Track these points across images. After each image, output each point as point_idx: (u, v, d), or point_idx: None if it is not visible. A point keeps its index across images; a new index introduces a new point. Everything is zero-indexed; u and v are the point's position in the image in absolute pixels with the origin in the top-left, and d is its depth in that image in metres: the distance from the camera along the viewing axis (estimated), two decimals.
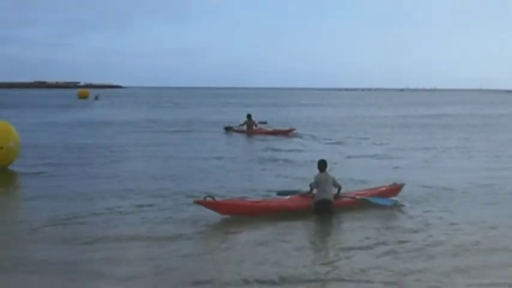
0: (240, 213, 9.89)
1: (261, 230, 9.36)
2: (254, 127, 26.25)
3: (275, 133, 25.91)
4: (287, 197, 10.72)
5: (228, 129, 27.26)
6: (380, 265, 7.51)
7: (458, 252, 8.11)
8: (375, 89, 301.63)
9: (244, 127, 26.39)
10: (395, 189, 11.33)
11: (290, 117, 41.12)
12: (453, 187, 12.87)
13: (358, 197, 10.69)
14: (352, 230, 9.45)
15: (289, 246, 8.43)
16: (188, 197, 11.08)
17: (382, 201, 10.63)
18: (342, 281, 7.00)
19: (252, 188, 12.69)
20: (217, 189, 12.10)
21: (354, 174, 14.17)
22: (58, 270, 7.40)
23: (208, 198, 9.57)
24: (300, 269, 7.38)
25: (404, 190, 11.60)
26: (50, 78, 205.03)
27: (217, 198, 9.85)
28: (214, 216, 9.75)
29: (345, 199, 10.52)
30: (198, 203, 9.62)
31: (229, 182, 13.63)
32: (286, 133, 26.04)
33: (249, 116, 26.56)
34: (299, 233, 9.35)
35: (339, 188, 10.36)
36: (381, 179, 12.58)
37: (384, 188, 11.29)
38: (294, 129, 26.74)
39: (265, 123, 27.37)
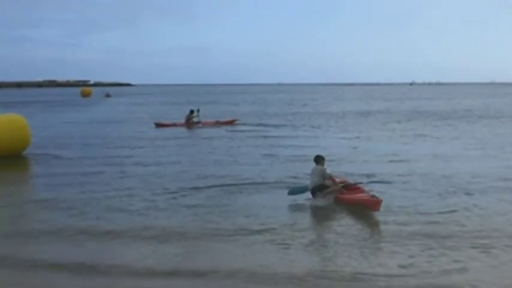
0: None
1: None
2: (192, 121, 28.04)
3: (219, 124, 28.62)
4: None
5: (158, 125, 28.05)
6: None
7: None
8: (385, 84, 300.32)
9: (195, 122, 28.09)
10: (374, 202, 9.50)
11: (302, 111, 40.76)
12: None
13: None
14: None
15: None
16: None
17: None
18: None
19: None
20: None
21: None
22: None
23: None
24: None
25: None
26: (61, 77, 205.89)
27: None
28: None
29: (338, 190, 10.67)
30: None
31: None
32: (231, 123, 29.05)
33: (191, 112, 28.66)
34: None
35: (330, 179, 10.74)
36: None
37: (365, 197, 9.93)
38: (237, 120, 30.08)
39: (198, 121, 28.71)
